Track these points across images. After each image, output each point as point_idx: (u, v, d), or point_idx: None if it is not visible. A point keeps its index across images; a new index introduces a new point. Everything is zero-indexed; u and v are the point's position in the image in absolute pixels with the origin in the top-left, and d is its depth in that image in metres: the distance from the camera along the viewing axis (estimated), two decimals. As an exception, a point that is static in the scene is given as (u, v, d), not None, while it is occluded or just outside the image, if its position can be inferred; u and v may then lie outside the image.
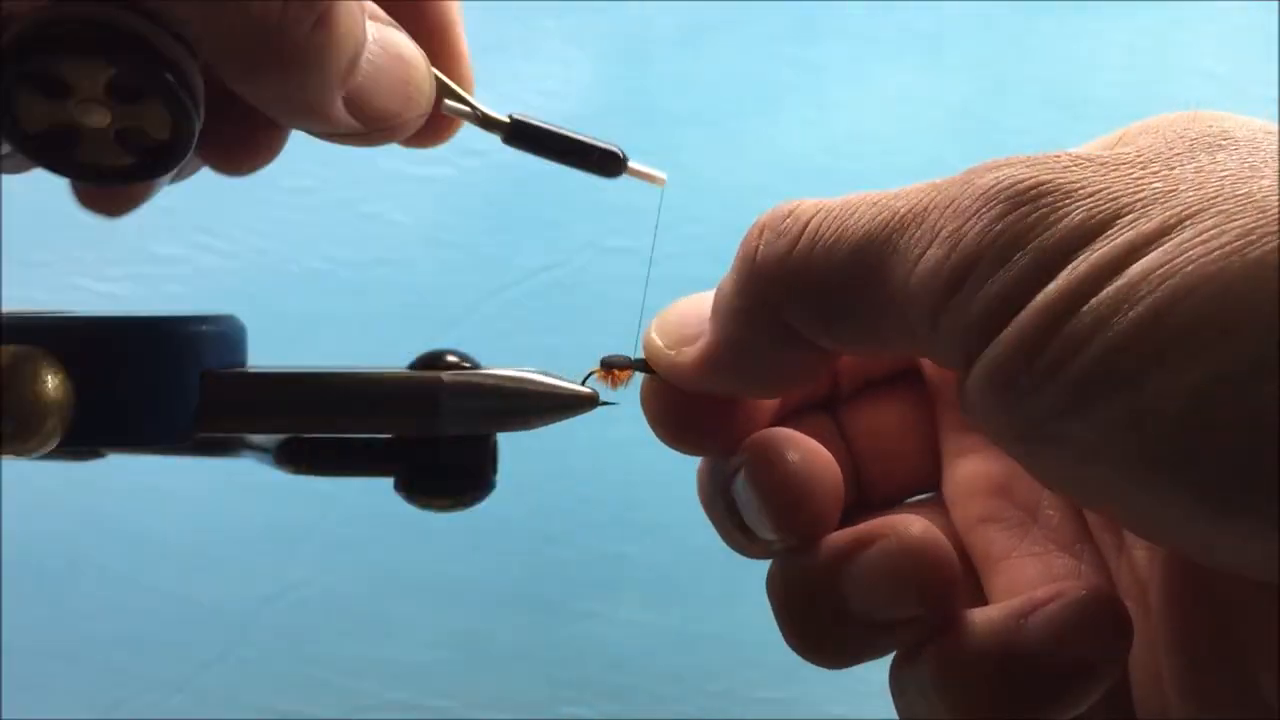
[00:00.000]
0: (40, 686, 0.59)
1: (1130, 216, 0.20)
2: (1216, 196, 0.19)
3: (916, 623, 0.25)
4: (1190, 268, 0.19)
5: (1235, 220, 0.19)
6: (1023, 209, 0.21)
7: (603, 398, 0.29)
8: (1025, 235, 0.20)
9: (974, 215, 0.21)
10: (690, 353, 0.27)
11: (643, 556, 0.56)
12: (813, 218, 0.24)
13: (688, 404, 0.28)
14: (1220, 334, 0.18)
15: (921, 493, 0.31)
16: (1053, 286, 0.20)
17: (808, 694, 0.57)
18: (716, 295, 0.27)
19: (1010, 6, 0.63)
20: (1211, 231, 0.19)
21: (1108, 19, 0.62)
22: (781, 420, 0.30)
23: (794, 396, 0.30)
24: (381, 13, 0.28)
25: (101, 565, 0.60)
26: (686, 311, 0.28)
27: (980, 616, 0.25)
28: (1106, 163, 0.21)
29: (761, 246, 0.25)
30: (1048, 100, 0.62)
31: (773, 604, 0.27)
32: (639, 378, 0.29)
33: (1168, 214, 0.19)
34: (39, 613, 0.60)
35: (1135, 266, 0.19)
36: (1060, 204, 0.20)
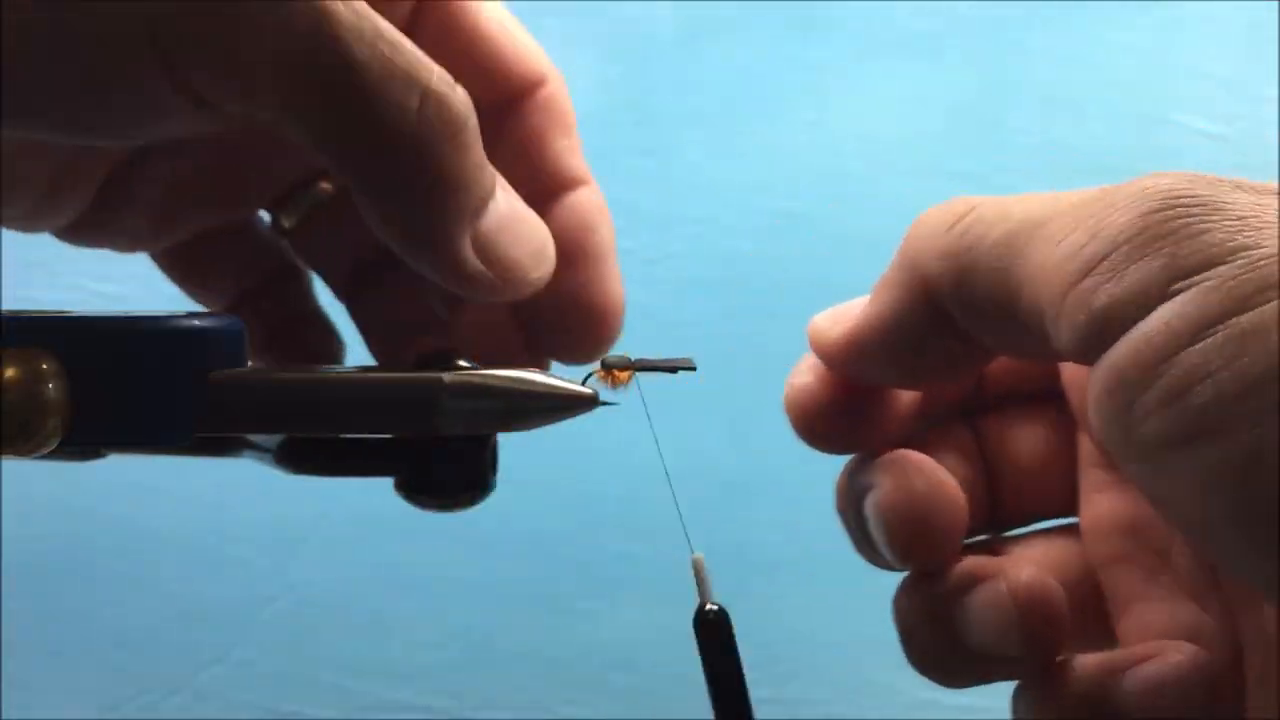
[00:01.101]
0: (40, 686, 0.59)
1: (1269, 249, 0.20)
2: None
3: (1022, 662, 0.26)
4: None
5: None
6: (1169, 212, 0.21)
7: (603, 398, 0.29)
8: (1163, 238, 0.20)
9: (1122, 208, 0.21)
10: (843, 325, 0.27)
11: (644, 556, 0.56)
12: (983, 202, 0.25)
13: (832, 397, 0.28)
14: None
15: (1060, 516, 0.31)
16: (1178, 304, 0.20)
17: (808, 694, 0.57)
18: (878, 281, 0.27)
19: (1010, 6, 0.63)
20: None
21: (1108, 19, 0.62)
22: (921, 422, 0.30)
23: (936, 398, 0.30)
24: (508, 185, 0.29)
25: (101, 565, 0.60)
26: (853, 301, 0.28)
27: (1080, 664, 0.26)
28: (1265, 192, 0.21)
29: (926, 221, 0.26)
30: (1048, 100, 0.62)
31: (895, 619, 0.28)
32: (639, 378, 0.29)
33: None
34: (39, 613, 0.60)
35: (1269, 306, 0.19)
36: (1206, 217, 0.20)
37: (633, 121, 0.62)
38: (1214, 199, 0.21)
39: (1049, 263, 0.22)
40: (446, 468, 0.29)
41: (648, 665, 0.57)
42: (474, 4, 0.32)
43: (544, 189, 0.32)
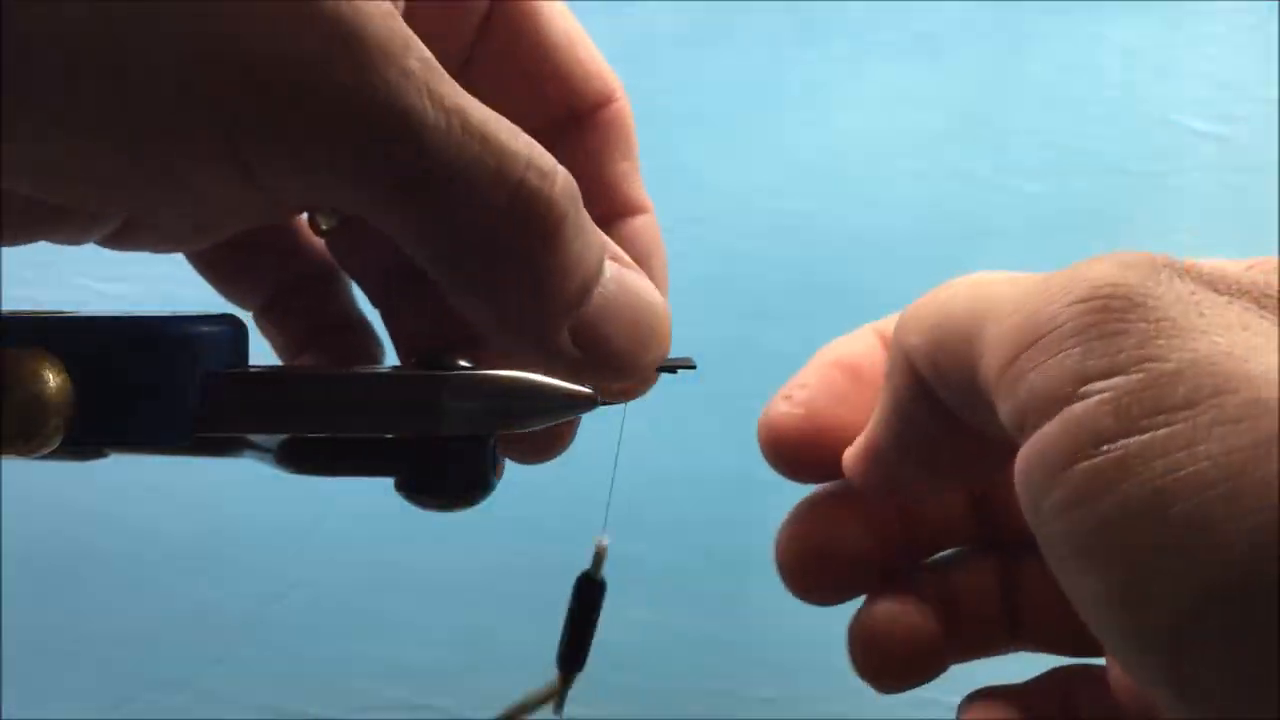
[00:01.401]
0: (40, 686, 0.59)
1: (1172, 366, 0.19)
2: (1265, 381, 0.18)
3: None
4: (1204, 464, 0.18)
5: (1262, 421, 0.18)
6: (1091, 303, 0.20)
7: (603, 398, 0.29)
8: (1079, 334, 0.20)
9: (1055, 295, 0.21)
10: (859, 441, 0.28)
11: (644, 557, 0.56)
12: (964, 280, 0.25)
13: (803, 431, 0.29)
14: (1219, 548, 0.17)
15: None
16: (1079, 412, 0.19)
17: (808, 694, 0.57)
18: None
19: (1010, 6, 0.63)
20: (1231, 428, 0.18)
21: (1107, 19, 0.62)
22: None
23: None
24: (625, 255, 0.27)
25: (102, 565, 0.60)
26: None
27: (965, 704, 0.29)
28: (1203, 283, 0.21)
29: (914, 303, 0.26)
30: (1048, 100, 0.62)
31: None
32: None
33: (1201, 379, 0.19)
34: (39, 613, 0.60)
35: (1159, 433, 0.18)
36: (1125, 316, 0.20)
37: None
38: (1142, 293, 0.20)
39: (994, 339, 0.22)
40: (446, 468, 0.29)
41: (648, 665, 0.57)
42: (546, 14, 0.31)
43: (600, 213, 0.31)
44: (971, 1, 0.63)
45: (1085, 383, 0.19)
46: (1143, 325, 0.20)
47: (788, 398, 0.29)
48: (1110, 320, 0.20)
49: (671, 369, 0.30)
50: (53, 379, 0.24)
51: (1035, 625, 0.30)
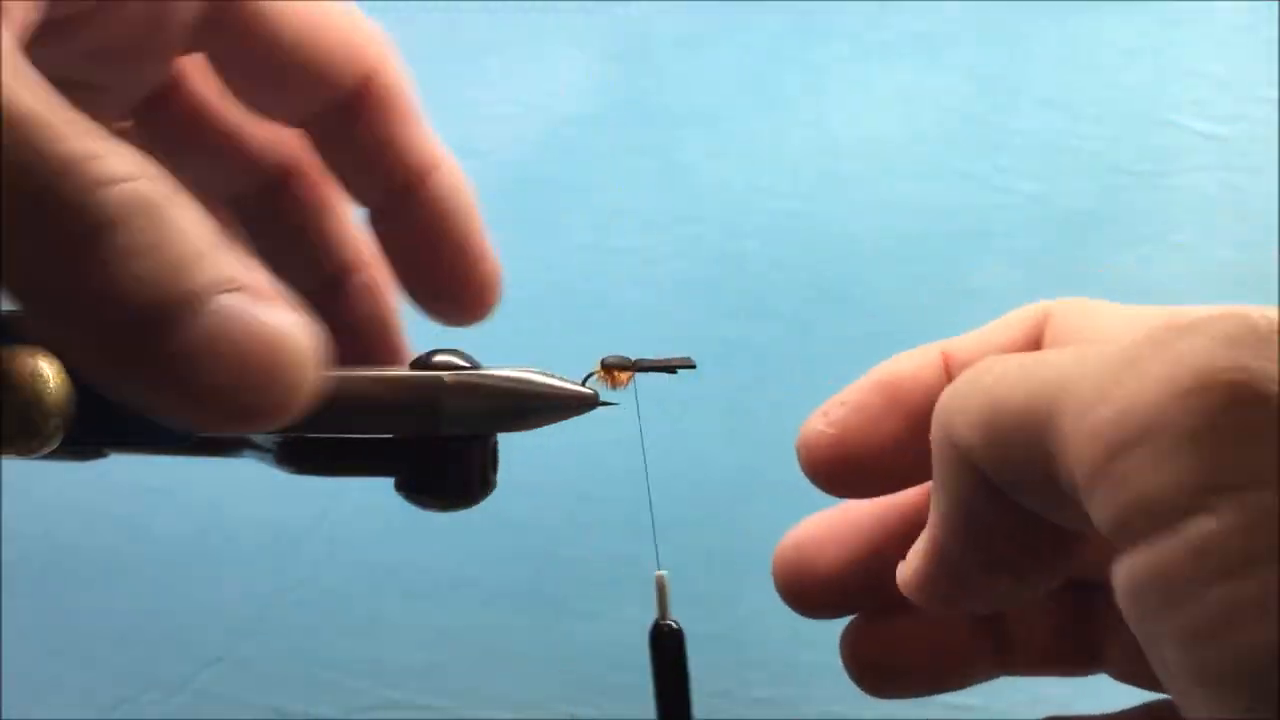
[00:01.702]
0: (40, 686, 0.59)
1: None
2: None
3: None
4: None
5: None
6: (1208, 397, 0.17)
7: (603, 398, 0.29)
8: (1198, 435, 0.17)
9: (1160, 381, 0.18)
10: (917, 554, 0.26)
11: (644, 556, 0.56)
12: (1006, 363, 0.22)
13: (844, 460, 0.28)
14: None
15: None
16: (1212, 526, 0.17)
17: (808, 694, 0.57)
18: None
19: (1010, 7, 0.63)
20: None
21: (1107, 19, 0.62)
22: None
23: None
24: (258, 286, 0.23)
25: (102, 565, 0.60)
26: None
27: None
28: None
29: (954, 393, 0.23)
30: (1048, 100, 0.62)
31: None
32: (638, 378, 0.29)
33: None
34: (39, 613, 0.60)
35: None
36: (1250, 412, 0.17)
37: (633, 121, 0.62)
38: (1265, 380, 0.17)
39: (1077, 436, 0.19)
40: (446, 468, 0.29)
41: (646, 665, 0.57)
42: (274, 12, 0.29)
43: (399, 185, 0.31)
44: (971, 1, 0.63)
45: (1210, 495, 0.17)
46: (1273, 428, 0.17)
47: (825, 414, 0.29)
48: (1231, 420, 0.17)
49: (671, 368, 0.30)
50: (53, 379, 0.24)
51: (1117, 657, 0.29)
